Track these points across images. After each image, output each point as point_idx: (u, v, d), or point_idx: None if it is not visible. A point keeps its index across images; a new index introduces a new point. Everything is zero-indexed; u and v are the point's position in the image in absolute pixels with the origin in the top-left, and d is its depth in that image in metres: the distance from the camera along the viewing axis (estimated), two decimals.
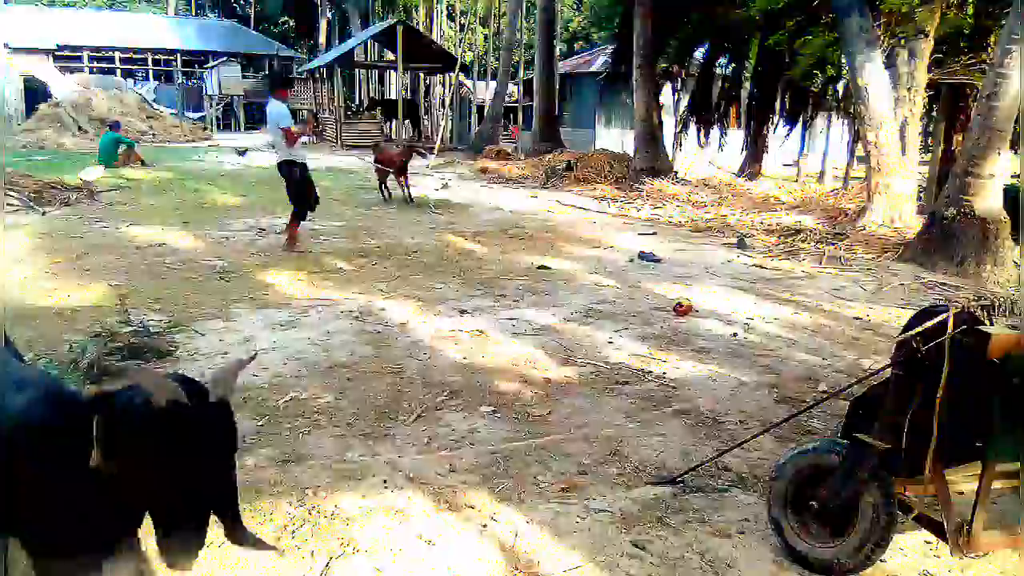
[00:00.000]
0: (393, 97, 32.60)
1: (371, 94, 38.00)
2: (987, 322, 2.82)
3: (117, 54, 36.96)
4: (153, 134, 27.48)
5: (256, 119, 36.92)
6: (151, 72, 39.54)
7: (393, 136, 27.99)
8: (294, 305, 6.78)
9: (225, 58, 36.97)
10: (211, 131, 33.36)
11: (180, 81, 38.80)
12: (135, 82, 37.52)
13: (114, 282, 7.26)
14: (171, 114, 32.12)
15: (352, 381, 5.00)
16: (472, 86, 35.07)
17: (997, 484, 3.30)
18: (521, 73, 31.56)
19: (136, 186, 14.48)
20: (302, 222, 9.33)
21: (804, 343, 6.24)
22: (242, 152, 21.82)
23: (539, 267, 8.76)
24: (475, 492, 3.60)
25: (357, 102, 35.89)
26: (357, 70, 38.03)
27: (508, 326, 6.40)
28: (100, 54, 36.60)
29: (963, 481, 3.20)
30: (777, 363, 5.70)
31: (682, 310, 6.95)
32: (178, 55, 38.82)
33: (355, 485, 3.61)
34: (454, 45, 35.15)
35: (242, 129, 36.38)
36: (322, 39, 41.94)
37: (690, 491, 3.69)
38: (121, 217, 10.99)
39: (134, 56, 38.27)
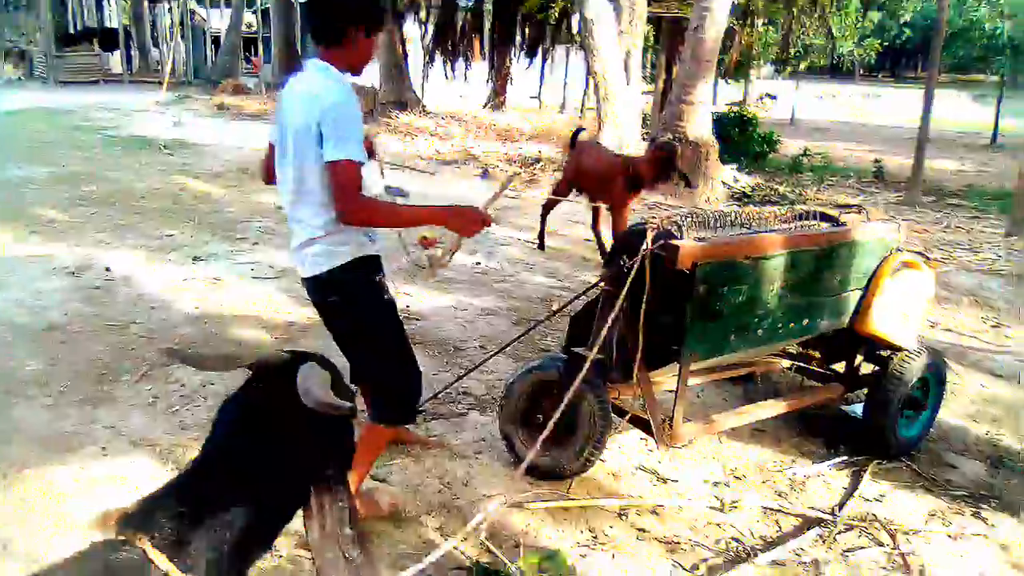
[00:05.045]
0: (114, 26, 29.41)
1: (86, 23, 33.85)
2: (680, 236, 3.09)
3: None
4: None
5: None
6: None
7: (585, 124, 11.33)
8: None
9: None
10: None
11: None
12: None
13: None
14: None
15: (67, 344, 4.54)
16: (206, 14, 32.36)
17: (695, 380, 3.72)
18: (259, 1, 29.51)
19: None
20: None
21: (541, 267, 6.57)
22: None
23: (279, 207, 8.41)
24: None
25: (71, 32, 31.72)
26: None
27: (247, 271, 6.11)
28: None
29: (667, 381, 3.56)
30: (516, 288, 5.97)
31: (427, 242, 7.00)
32: None
33: (69, 457, 3.30)
34: None
35: None
36: None
37: (431, 418, 3.79)
38: None
39: None
